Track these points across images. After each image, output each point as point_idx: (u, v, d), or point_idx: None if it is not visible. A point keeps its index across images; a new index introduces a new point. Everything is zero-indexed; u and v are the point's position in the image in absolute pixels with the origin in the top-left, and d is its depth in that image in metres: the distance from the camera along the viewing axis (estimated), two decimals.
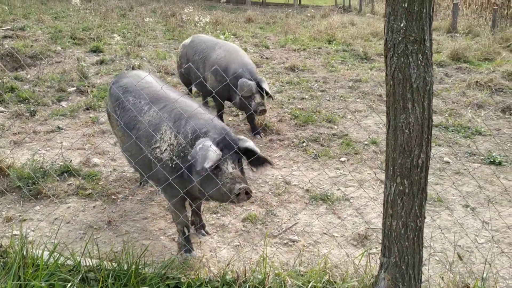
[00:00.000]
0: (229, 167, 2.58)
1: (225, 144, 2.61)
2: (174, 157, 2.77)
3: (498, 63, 9.46)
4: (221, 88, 4.78)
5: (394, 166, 2.13)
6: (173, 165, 2.77)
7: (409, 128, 2.03)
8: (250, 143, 2.73)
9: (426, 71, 1.96)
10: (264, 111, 4.94)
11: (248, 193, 2.54)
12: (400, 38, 1.93)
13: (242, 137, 2.78)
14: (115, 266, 2.50)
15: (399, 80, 1.98)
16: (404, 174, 2.11)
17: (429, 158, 2.12)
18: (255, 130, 5.43)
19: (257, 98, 4.87)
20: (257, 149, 2.74)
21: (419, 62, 1.94)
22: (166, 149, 2.82)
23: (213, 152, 2.48)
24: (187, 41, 6.01)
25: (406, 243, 2.23)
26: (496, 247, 3.38)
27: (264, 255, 2.56)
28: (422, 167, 2.10)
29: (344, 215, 3.75)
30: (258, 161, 2.78)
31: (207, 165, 2.43)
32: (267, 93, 4.99)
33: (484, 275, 2.62)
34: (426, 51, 1.94)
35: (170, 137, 2.83)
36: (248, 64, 5.09)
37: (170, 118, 2.89)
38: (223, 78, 4.93)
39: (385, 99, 6.47)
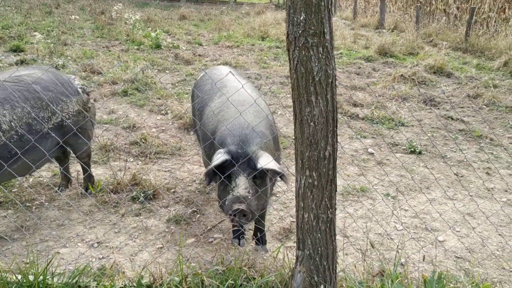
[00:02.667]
0: None
1: None
2: None
3: (421, 57, 9.93)
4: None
5: (303, 159, 2.14)
6: None
7: (314, 121, 2.04)
8: None
9: (327, 64, 1.98)
10: (241, 213, 2.51)
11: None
12: (300, 31, 1.93)
13: None
14: (20, 278, 2.34)
15: (302, 74, 1.99)
16: (312, 166, 2.12)
17: (336, 150, 2.14)
18: (259, 243, 3.27)
19: (238, 188, 2.56)
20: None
21: (320, 55, 1.95)
22: None
23: None
24: (199, 76, 4.06)
25: (319, 235, 2.25)
26: (414, 232, 3.52)
27: (181, 256, 2.49)
28: (329, 159, 2.12)
29: (270, 210, 3.76)
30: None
31: None
32: (274, 174, 2.74)
33: (397, 261, 2.71)
34: (327, 44, 1.95)
35: None
36: (245, 126, 2.82)
37: None
38: (210, 151, 3.00)
39: None
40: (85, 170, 3.84)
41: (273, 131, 3.04)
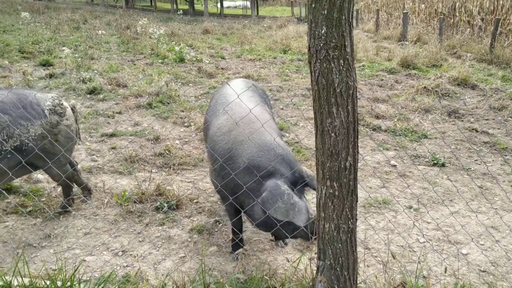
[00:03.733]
0: None
1: None
2: None
3: (445, 69, 9.84)
4: (228, 189, 2.84)
5: (324, 169, 2.17)
6: None
7: (335, 132, 2.08)
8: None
9: (348, 76, 2.01)
10: None
11: None
12: (321, 44, 1.97)
13: None
14: (48, 284, 2.42)
15: (323, 85, 2.03)
16: (333, 177, 2.15)
17: (357, 160, 2.16)
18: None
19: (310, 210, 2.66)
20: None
21: (341, 67, 1.99)
22: None
23: None
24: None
25: (340, 245, 2.26)
26: (436, 245, 3.48)
27: (203, 265, 2.54)
28: (350, 170, 2.15)
29: None
30: None
31: None
32: None
33: (419, 273, 2.70)
34: (347, 56, 1.99)
35: None
36: (276, 145, 2.78)
37: None
38: (228, 174, 2.82)
39: None
40: (65, 193, 3.76)
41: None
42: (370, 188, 4.43)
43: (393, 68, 10.19)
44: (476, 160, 5.24)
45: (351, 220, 2.24)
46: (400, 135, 5.99)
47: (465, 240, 3.56)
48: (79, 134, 3.75)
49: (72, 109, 3.62)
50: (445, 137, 6.01)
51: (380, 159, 5.19)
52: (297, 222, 2.59)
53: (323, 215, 2.26)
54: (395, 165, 5.04)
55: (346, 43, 1.98)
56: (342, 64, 1.99)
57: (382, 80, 9.34)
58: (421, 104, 7.37)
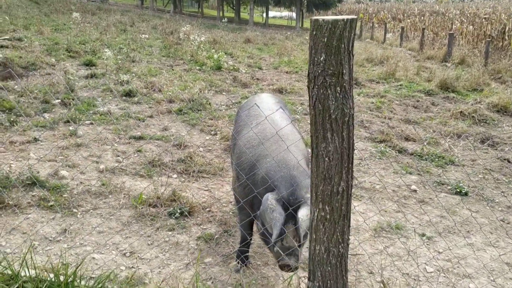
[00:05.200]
0: None
1: None
2: None
3: (485, 94, 9.56)
4: (247, 199, 2.95)
5: (317, 192, 2.20)
6: None
7: (329, 157, 2.11)
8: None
9: (344, 103, 2.04)
10: (289, 268, 2.63)
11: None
12: (319, 71, 2.02)
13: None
14: (52, 277, 2.56)
15: (319, 111, 2.07)
16: (326, 200, 2.18)
17: (350, 186, 2.18)
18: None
19: (287, 238, 2.59)
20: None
21: (337, 94, 2.03)
22: None
23: None
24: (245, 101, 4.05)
25: (329, 268, 2.28)
26: (444, 276, 3.41)
27: (197, 273, 2.61)
28: (343, 195, 2.17)
29: None
30: None
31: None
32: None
33: None
34: (345, 84, 2.02)
35: None
36: (292, 166, 2.79)
37: None
38: (248, 185, 2.92)
39: (364, 125, 6.50)
40: None
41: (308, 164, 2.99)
42: (385, 212, 4.38)
43: (431, 90, 9.99)
44: (502, 192, 5.08)
45: (342, 244, 2.26)
46: (426, 160, 5.88)
47: (475, 274, 3.47)
48: None
49: None
50: (473, 165, 5.85)
51: (401, 183, 5.12)
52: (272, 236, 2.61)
53: (314, 237, 2.28)
54: (415, 190, 4.96)
55: (344, 71, 2.02)
56: (339, 91, 2.03)
57: (418, 101, 9.19)
58: (454, 129, 7.20)
